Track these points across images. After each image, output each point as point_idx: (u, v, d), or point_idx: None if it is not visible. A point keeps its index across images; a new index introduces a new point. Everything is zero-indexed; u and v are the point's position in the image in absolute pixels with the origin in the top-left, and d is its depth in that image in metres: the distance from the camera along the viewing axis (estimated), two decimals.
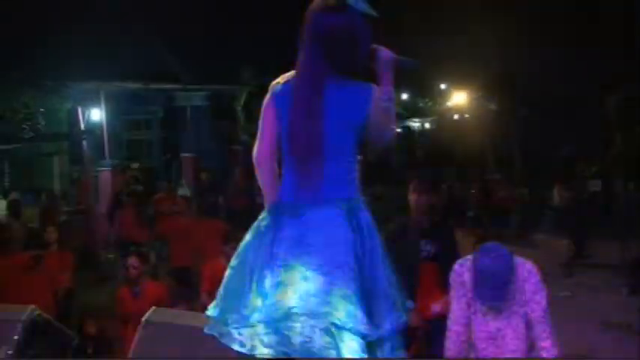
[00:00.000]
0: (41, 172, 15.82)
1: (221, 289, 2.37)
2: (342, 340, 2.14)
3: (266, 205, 2.44)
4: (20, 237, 8.44)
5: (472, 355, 3.43)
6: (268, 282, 2.22)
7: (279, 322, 2.18)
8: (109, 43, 14.08)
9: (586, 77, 15.64)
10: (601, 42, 14.85)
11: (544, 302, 3.23)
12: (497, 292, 3.13)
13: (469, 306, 3.35)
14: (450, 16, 16.29)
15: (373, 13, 2.29)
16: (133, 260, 5.60)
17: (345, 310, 2.16)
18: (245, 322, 2.25)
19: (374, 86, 2.33)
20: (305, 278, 2.19)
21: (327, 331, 2.15)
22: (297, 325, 2.17)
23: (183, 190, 12.15)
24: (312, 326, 2.15)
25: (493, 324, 3.30)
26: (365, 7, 2.27)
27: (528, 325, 3.26)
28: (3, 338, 3.71)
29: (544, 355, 3.21)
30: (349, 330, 2.15)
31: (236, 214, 10.98)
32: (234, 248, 5.80)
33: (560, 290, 8.01)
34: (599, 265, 9.89)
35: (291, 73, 2.37)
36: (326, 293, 2.17)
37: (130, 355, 3.86)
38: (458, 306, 3.39)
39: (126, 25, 14.41)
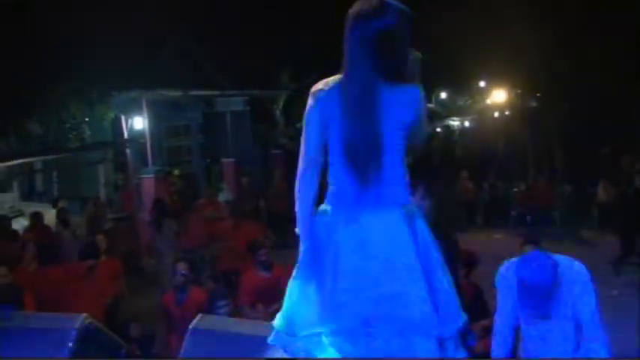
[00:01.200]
0: (87, 181, 16.13)
1: (285, 300, 2.35)
2: (418, 342, 2.17)
3: (300, 224, 2.34)
4: (70, 246, 8.66)
5: (521, 356, 3.41)
6: (335, 290, 2.20)
7: (355, 330, 2.18)
8: (149, 52, 14.33)
9: (629, 71, 15.28)
10: None
11: (593, 304, 3.17)
12: (539, 303, 3.08)
13: (516, 308, 3.32)
14: (488, 13, 16.08)
15: (410, 10, 2.27)
16: (181, 266, 5.63)
17: (420, 312, 2.17)
18: (312, 330, 2.23)
19: (420, 86, 2.29)
20: (376, 283, 2.19)
21: (402, 334, 2.17)
22: (374, 330, 2.17)
23: (225, 195, 12.26)
24: (390, 330, 2.17)
25: (542, 326, 3.26)
26: (402, 6, 2.26)
27: (577, 327, 3.21)
28: (58, 346, 3.82)
29: (594, 356, 3.17)
30: (424, 331, 2.17)
31: (277, 218, 11.07)
32: (266, 255, 5.77)
33: (609, 289, 7.84)
34: None
35: (332, 78, 2.31)
36: (399, 296, 2.18)
37: None
38: (505, 308, 3.36)
39: (165, 34, 14.64)
